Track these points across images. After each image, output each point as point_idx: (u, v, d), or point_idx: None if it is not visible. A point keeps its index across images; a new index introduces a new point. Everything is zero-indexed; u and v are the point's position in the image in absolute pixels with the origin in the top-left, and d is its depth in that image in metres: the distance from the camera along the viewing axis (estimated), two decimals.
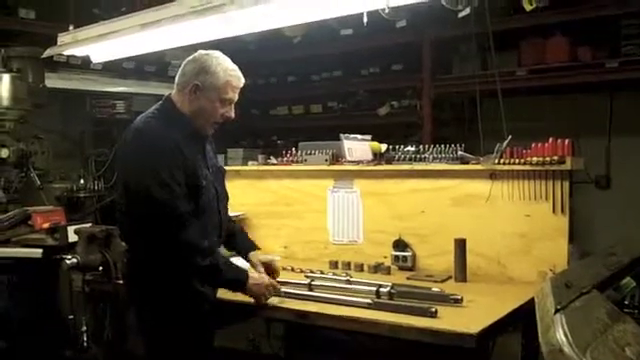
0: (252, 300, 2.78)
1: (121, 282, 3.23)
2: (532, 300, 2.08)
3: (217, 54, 2.81)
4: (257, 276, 2.82)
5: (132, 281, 2.87)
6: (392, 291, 2.85)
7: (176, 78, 2.83)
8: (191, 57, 2.80)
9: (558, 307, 1.90)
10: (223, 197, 2.97)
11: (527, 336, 2.56)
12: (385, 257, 3.65)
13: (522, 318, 2.66)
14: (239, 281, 2.74)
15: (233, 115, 2.84)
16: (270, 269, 3.04)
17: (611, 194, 5.43)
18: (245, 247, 3.15)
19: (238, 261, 2.96)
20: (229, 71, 2.78)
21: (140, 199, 2.63)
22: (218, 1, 2.94)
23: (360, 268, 3.60)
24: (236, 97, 2.83)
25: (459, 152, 3.52)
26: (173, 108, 2.79)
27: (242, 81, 2.83)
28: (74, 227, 3.66)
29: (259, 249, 3.20)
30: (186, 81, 2.76)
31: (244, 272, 2.78)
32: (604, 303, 2.07)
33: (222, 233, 2.96)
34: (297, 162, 4.05)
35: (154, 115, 2.79)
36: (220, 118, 2.81)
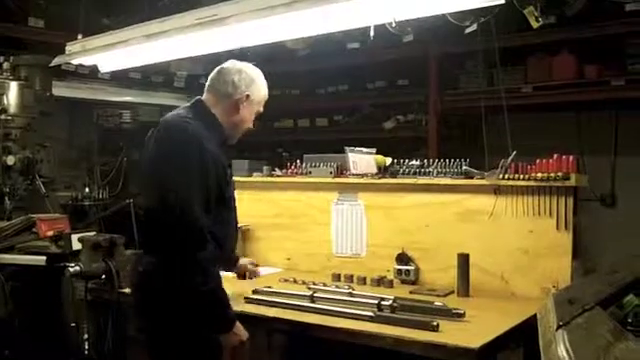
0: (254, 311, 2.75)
1: (125, 291, 3.24)
2: (534, 316, 2.07)
3: (252, 66, 2.88)
4: (242, 327, 2.67)
5: (143, 292, 2.71)
6: (394, 304, 2.84)
7: (217, 85, 2.78)
8: (232, 67, 2.81)
9: (560, 323, 1.88)
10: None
11: (529, 352, 2.54)
12: (388, 270, 3.65)
13: (524, 334, 2.65)
14: (231, 321, 2.62)
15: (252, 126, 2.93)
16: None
17: (616, 212, 5.42)
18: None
19: None
20: (265, 85, 2.88)
21: (170, 201, 2.47)
22: (223, 14, 2.95)
23: (363, 281, 3.60)
24: None
25: (464, 167, 3.52)
26: (209, 114, 2.75)
27: None
28: (78, 235, 3.69)
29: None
30: (236, 90, 2.77)
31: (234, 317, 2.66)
32: (607, 320, 2.05)
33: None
34: (302, 174, 4.05)
35: (194, 118, 2.67)
36: (247, 129, 2.89)
